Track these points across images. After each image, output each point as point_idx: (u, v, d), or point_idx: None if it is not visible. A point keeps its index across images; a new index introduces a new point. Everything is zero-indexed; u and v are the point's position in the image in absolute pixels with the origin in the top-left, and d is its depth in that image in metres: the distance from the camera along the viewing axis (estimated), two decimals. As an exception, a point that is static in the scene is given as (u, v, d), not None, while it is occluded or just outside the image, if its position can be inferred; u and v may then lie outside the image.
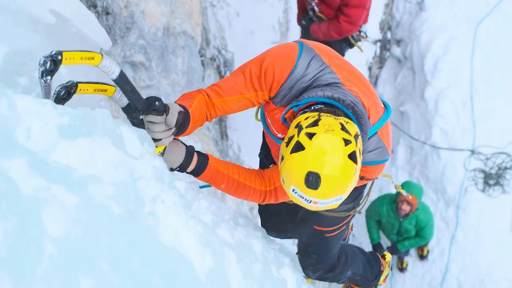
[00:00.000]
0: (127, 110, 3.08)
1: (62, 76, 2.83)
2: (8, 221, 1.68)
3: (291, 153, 3.00)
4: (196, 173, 3.56)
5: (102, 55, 2.75)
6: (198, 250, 2.57)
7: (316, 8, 8.70)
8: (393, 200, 10.86)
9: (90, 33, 3.32)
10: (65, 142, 2.25)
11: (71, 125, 2.30)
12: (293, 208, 4.45)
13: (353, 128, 3.06)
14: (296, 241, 5.36)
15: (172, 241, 2.48)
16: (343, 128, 3.00)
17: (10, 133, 2.07)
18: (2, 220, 1.66)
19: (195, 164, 3.51)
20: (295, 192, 3.05)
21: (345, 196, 3.07)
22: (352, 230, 5.28)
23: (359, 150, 3.05)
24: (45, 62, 2.51)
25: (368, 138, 3.38)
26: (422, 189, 11.14)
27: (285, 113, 3.41)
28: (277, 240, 4.86)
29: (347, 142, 2.97)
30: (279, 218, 4.85)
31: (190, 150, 3.48)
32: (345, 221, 4.59)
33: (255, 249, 3.43)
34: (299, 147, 2.98)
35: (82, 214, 1.95)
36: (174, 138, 3.37)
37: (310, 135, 2.97)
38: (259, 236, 3.69)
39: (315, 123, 3.01)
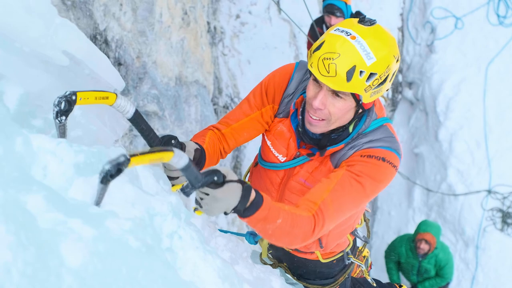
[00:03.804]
0: None
1: (77, 118, 2.85)
2: (27, 251, 1.68)
3: None
4: (250, 211, 2.93)
5: (116, 95, 2.77)
6: (217, 285, 2.56)
7: None
8: (412, 240, 10.75)
9: (103, 74, 3.36)
10: (82, 179, 2.27)
11: (87, 163, 2.32)
12: None
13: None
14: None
15: (191, 276, 2.48)
16: None
17: (27, 170, 2.08)
18: (21, 250, 1.66)
19: (251, 201, 2.93)
20: (337, 30, 3.10)
21: (364, 76, 3.05)
22: (371, 268, 5.24)
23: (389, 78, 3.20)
24: (59, 103, 2.53)
25: (376, 128, 3.40)
26: (440, 228, 11.02)
27: (296, 99, 3.49)
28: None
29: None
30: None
31: (246, 189, 2.91)
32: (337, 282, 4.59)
33: (273, 285, 3.42)
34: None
35: (100, 246, 1.96)
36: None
37: None
38: (277, 274, 3.67)
39: None
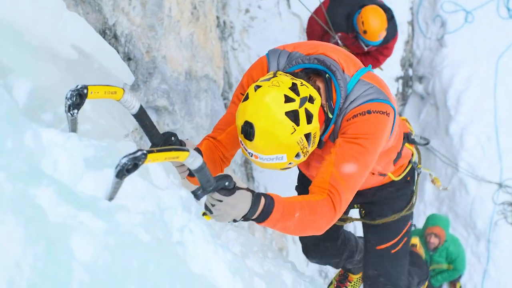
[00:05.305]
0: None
1: (86, 112, 2.85)
2: (37, 245, 1.68)
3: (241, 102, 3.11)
4: (264, 215, 3.04)
5: (124, 90, 2.78)
6: (228, 278, 2.56)
7: (339, 42, 8.85)
8: (421, 235, 10.72)
9: (112, 68, 3.35)
10: (91, 173, 2.26)
11: (96, 157, 2.31)
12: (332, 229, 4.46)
13: (306, 90, 3.10)
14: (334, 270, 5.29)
15: (202, 269, 2.48)
16: (292, 87, 3.05)
17: (36, 164, 2.08)
18: (31, 244, 1.66)
19: (262, 208, 3.03)
20: (242, 144, 3.12)
21: (287, 157, 3.09)
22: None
23: (306, 113, 3.07)
24: (71, 96, 2.53)
25: (353, 88, 3.36)
26: (449, 220, 10.97)
27: None
28: (307, 272, 4.82)
29: (288, 99, 3.01)
30: (318, 240, 4.78)
31: (256, 196, 3.03)
32: (405, 229, 4.63)
33: (285, 279, 3.41)
34: (245, 98, 3.07)
35: (111, 240, 1.95)
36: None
37: (257, 87, 3.05)
38: (289, 268, 3.67)
39: (268, 79, 3.09)
